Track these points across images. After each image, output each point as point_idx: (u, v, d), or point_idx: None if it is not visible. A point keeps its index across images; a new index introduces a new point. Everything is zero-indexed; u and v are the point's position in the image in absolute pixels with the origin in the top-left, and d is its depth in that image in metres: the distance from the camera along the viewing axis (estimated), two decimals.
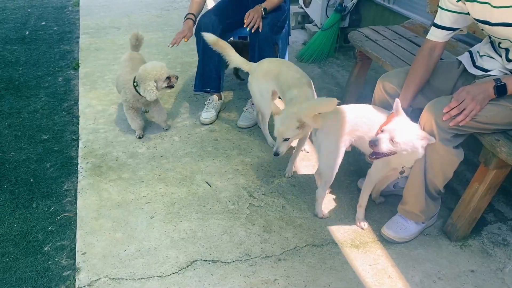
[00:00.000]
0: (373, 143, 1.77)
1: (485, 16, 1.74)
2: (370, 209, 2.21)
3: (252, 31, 2.74)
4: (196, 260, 1.93)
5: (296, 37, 4.50)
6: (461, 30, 1.95)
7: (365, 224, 2.11)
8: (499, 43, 1.84)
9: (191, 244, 2.01)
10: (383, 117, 1.93)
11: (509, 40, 1.76)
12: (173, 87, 2.71)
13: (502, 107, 1.74)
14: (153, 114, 2.87)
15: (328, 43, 3.94)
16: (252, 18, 2.72)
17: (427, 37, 1.96)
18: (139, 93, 2.62)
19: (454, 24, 1.88)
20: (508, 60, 1.81)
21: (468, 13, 1.82)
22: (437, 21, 1.90)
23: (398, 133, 1.75)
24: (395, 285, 1.83)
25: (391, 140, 1.75)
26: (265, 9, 2.78)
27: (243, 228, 2.12)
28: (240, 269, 1.89)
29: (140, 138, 2.81)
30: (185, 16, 2.91)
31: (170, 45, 2.79)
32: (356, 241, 2.05)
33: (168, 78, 2.63)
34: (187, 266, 1.90)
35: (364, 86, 3.07)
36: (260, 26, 2.74)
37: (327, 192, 2.22)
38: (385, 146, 1.76)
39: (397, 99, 1.84)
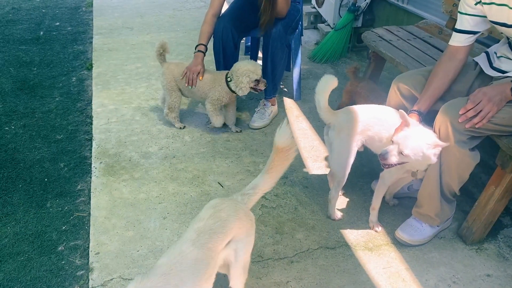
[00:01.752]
0: (383, 156, 1.76)
1: (503, 18, 1.72)
2: (384, 212, 2.19)
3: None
4: None
5: (309, 37, 4.48)
6: (482, 33, 1.92)
7: (378, 227, 2.09)
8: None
9: None
10: (395, 118, 1.91)
11: (501, 24, 1.73)
12: (257, 91, 2.74)
13: None
14: (227, 114, 2.89)
15: (341, 43, 3.92)
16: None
17: (449, 43, 1.95)
18: (230, 89, 2.69)
19: (475, 28, 1.86)
20: None
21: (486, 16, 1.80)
22: (457, 26, 1.90)
23: (407, 145, 1.73)
24: None
25: (401, 153, 1.74)
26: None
27: (255, 230, 2.10)
28: (252, 271, 1.88)
29: (213, 128, 2.91)
30: (196, 48, 2.81)
31: (186, 85, 2.76)
32: (370, 244, 2.03)
33: (257, 81, 2.65)
34: None
35: (378, 87, 3.04)
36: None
37: (340, 194, 2.20)
38: (394, 158, 1.76)
39: (401, 111, 1.80)
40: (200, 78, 2.75)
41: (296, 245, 2.02)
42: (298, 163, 2.58)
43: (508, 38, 1.87)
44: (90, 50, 4.28)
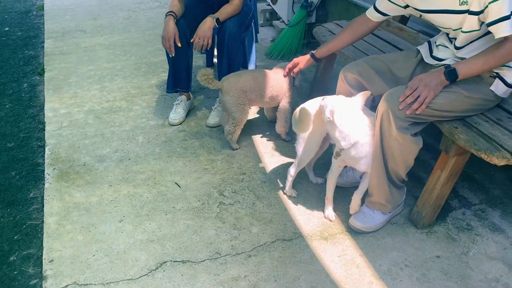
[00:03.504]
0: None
1: (419, 5, 1.88)
2: (339, 201, 2.23)
3: (202, 51, 2.71)
4: (166, 262, 1.92)
5: (265, 34, 4.51)
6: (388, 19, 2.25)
7: (333, 216, 2.14)
8: (448, 33, 1.90)
9: (160, 246, 2.00)
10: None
11: (451, 28, 1.82)
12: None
13: (457, 94, 1.79)
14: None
15: (296, 39, 3.96)
16: (199, 41, 2.66)
17: (366, 12, 2.16)
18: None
19: (388, 12, 2.07)
20: (456, 48, 1.87)
21: (405, 7, 1.96)
22: (376, 4, 2.09)
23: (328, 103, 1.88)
24: (363, 274, 1.86)
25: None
26: (217, 19, 2.70)
27: (213, 227, 2.11)
28: (210, 268, 1.89)
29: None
30: (166, 14, 2.76)
31: (172, 55, 2.74)
32: (325, 233, 2.07)
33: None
34: (157, 268, 1.89)
35: (332, 81, 3.09)
36: (209, 44, 2.68)
37: (318, 181, 2.39)
38: (328, 113, 1.86)
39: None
40: (179, 44, 2.71)
41: (253, 240, 2.04)
42: (255, 158, 2.60)
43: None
44: (42, 55, 4.16)
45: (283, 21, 4.32)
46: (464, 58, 1.85)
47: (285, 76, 2.57)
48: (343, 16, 3.87)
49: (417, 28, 2.92)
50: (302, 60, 2.40)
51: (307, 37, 4.10)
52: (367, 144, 1.90)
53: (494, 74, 1.81)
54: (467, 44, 1.84)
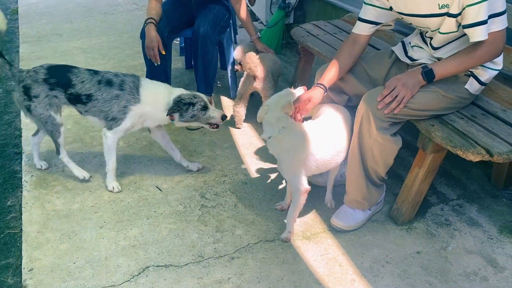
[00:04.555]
0: None
1: (401, 8, 1.86)
2: (320, 200, 2.25)
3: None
4: (148, 267, 1.91)
5: (244, 35, 4.48)
6: (389, 25, 2.04)
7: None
8: (426, 32, 1.93)
9: (142, 251, 1.99)
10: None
11: (430, 29, 1.85)
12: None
13: (434, 94, 1.82)
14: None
15: (274, 40, 3.98)
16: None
17: (352, 30, 2.05)
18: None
19: (378, 19, 1.97)
20: (433, 48, 1.90)
21: (391, 8, 1.90)
22: (361, 15, 2.00)
23: None
24: (345, 272, 1.88)
25: None
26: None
27: (196, 230, 2.11)
28: (193, 272, 1.88)
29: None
30: (145, 21, 2.74)
31: (158, 63, 2.73)
32: (307, 233, 2.08)
33: None
34: (139, 273, 1.88)
35: (310, 81, 3.12)
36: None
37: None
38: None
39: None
40: (163, 52, 2.69)
41: (236, 242, 2.04)
42: (237, 160, 2.60)
43: (420, 29, 1.99)
44: (17, 60, 4.08)
45: (261, 22, 4.33)
46: (441, 58, 1.88)
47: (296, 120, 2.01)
48: (321, 16, 3.90)
49: (393, 28, 2.96)
50: (315, 95, 1.98)
51: (286, 37, 4.12)
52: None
53: (469, 73, 1.85)
54: (445, 45, 1.87)
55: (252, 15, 4.65)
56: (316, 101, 1.97)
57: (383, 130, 1.83)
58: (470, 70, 1.85)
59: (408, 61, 2.01)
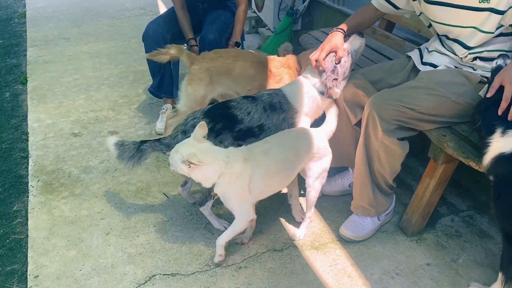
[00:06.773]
0: None
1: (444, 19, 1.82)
2: (329, 210, 2.23)
3: None
4: (155, 275, 1.89)
5: (251, 41, 4.51)
6: (405, 13, 2.10)
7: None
8: (446, 35, 1.89)
9: (149, 259, 1.97)
10: None
11: (460, 26, 1.80)
12: None
13: (444, 98, 1.79)
14: None
15: None
16: None
17: (372, 1, 2.11)
18: None
19: (396, 2, 2.01)
20: (467, 48, 1.82)
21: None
22: None
23: None
24: (355, 284, 1.85)
25: None
26: (237, 43, 2.87)
27: (203, 238, 2.09)
28: (200, 281, 1.86)
29: None
30: (187, 43, 2.87)
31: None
32: (316, 243, 2.06)
33: None
34: (146, 282, 1.85)
35: None
36: None
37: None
38: None
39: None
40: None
41: (244, 251, 2.01)
42: None
43: (438, 34, 1.96)
44: (25, 63, 4.09)
45: (269, 28, 4.33)
46: (475, 59, 1.82)
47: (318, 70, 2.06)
48: (329, 23, 3.89)
49: (403, 36, 2.95)
50: (338, 41, 2.01)
51: (293, 44, 4.10)
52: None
53: (485, 80, 1.82)
54: (481, 45, 1.80)
55: (259, 22, 4.66)
56: (340, 45, 1.99)
57: (389, 132, 1.80)
58: (487, 77, 1.81)
59: (424, 68, 1.98)
